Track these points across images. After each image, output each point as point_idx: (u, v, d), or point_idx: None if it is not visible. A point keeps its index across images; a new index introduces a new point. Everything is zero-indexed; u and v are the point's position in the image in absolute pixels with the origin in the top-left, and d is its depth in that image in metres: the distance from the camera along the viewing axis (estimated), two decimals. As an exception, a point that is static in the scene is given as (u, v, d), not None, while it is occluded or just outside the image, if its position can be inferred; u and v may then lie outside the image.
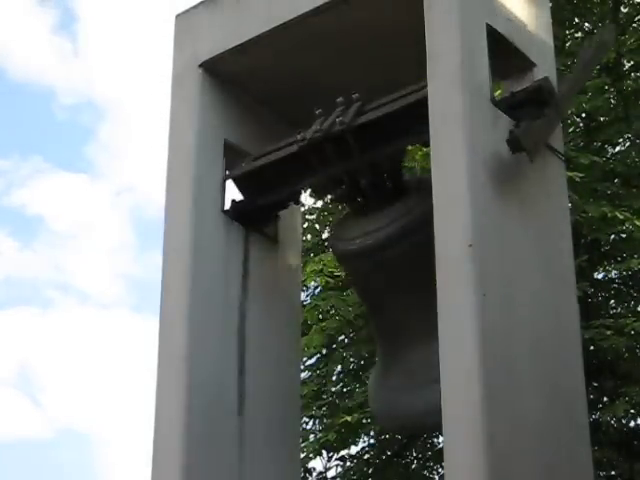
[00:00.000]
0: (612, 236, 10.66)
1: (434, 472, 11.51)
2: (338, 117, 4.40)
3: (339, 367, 11.86)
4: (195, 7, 4.93)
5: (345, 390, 11.83)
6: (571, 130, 11.25)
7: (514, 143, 3.96)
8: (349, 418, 10.47)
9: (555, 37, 4.76)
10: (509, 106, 4.13)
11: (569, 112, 10.31)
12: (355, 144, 4.38)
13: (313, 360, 11.69)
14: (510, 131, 3.97)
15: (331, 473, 11.43)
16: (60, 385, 29.82)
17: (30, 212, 30.44)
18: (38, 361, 29.33)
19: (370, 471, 11.47)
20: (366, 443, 11.51)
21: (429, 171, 4.02)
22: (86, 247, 29.47)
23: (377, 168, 4.46)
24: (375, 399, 4.77)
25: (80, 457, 29.41)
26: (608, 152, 11.57)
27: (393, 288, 4.52)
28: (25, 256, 28.36)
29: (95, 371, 28.97)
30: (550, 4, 4.84)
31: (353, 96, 4.44)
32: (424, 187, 4.25)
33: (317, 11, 4.46)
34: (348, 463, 11.52)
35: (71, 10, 31.24)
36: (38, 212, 31.10)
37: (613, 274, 11.36)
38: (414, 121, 4.18)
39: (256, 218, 4.78)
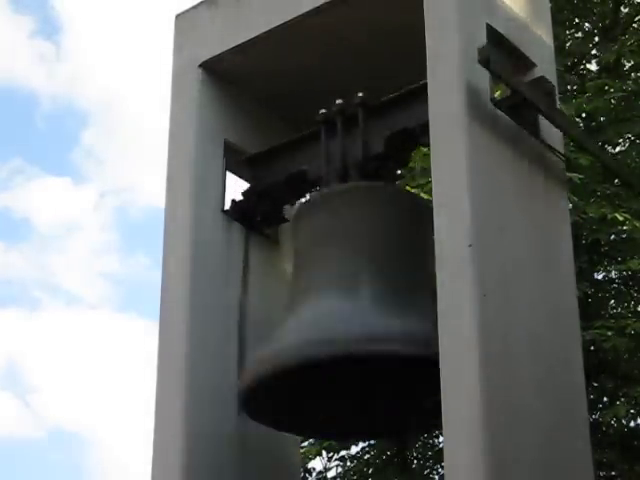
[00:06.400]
0: (612, 237, 10.66)
1: (434, 472, 11.51)
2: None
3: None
4: (195, 7, 4.93)
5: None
6: (571, 130, 11.23)
7: (484, 61, 3.94)
8: None
9: (555, 37, 4.76)
10: (509, 106, 4.13)
11: (569, 113, 10.31)
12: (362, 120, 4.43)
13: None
14: (483, 48, 3.98)
15: (331, 473, 11.44)
16: (50, 385, 29.88)
17: (15, 214, 30.49)
18: (27, 362, 29.40)
19: (370, 471, 11.47)
20: (366, 443, 11.51)
21: (429, 170, 4.02)
22: (72, 248, 29.57)
23: (369, 150, 4.45)
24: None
25: (71, 457, 29.46)
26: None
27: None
28: (11, 257, 28.43)
29: (84, 371, 29.06)
30: (550, 4, 4.84)
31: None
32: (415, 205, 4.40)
33: (317, 11, 4.46)
34: (348, 463, 11.52)
35: (54, 16, 31.27)
36: (23, 214, 31.17)
37: (613, 274, 11.37)
38: (418, 102, 4.22)
39: (256, 218, 4.77)
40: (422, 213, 4.37)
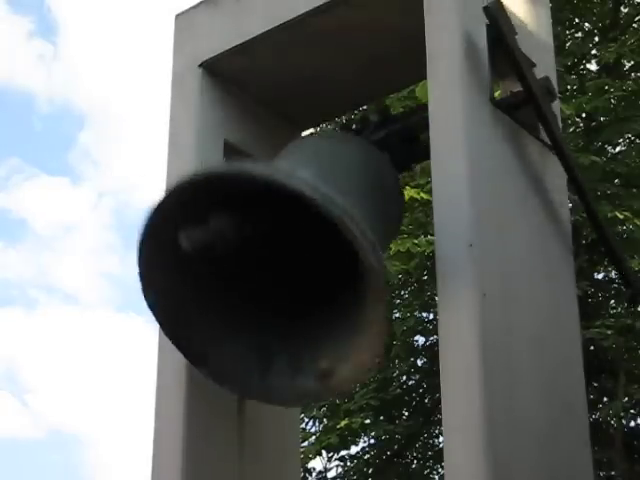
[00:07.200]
0: (612, 236, 10.66)
1: (434, 472, 11.53)
2: None
3: (339, 367, 11.84)
4: (195, 7, 4.93)
5: (345, 390, 11.82)
6: (571, 130, 11.26)
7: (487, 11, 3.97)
8: (354, 424, 10.49)
9: (555, 37, 4.76)
10: (509, 106, 4.13)
11: (569, 112, 10.31)
12: None
13: (313, 360, 11.67)
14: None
15: (331, 473, 11.45)
16: (48, 386, 29.90)
17: (13, 214, 30.52)
18: (24, 362, 29.42)
19: (370, 471, 11.49)
20: (366, 443, 11.54)
21: (429, 170, 4.02)
22: (70, 248, 29.61)
23: None
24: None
25: (69, 457, 29.50)
26: (608, 153, 11.58)
27: None
28: (9, 257, 28.44)
29: (82, 371, 29.10)
30: (550, 4, 4.84)
31: None
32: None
33: (317, 11, 4.46)
34: (348, 463, 11.54)
35: (52, 16, 31.29)
36: (21, 214, 31.21)
37: (613, 274, 11.38)
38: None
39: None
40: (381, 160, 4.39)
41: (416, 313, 11.32)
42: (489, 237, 3.85)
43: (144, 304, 4.09)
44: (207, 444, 4.30)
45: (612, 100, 11.07)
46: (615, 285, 11.37)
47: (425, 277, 11.16)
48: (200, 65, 4.77)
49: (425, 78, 4.08)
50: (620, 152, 11.57)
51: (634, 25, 12.16)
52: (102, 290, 31.24)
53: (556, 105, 4.41)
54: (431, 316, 11.23)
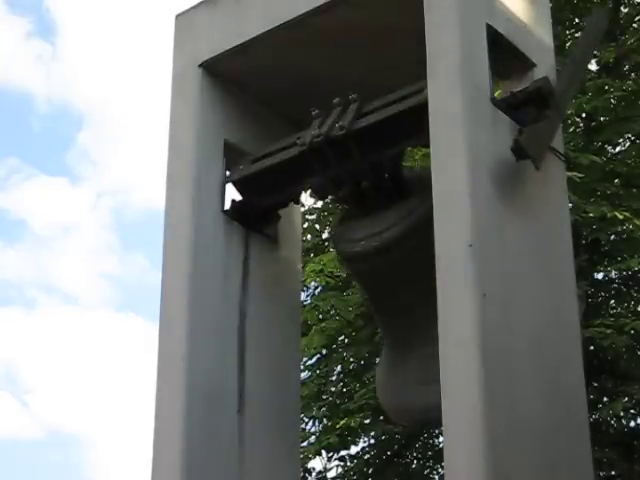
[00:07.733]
0: (612, 236, 10.67)
1: (434, 472, 11.51)
2: (336, 120, 4.41)
3: (339, 367, 11.87)
4: (195, 7, 4.93)
5: (345, 390, 11.83)
6: (571, 130, 11.25)
7: (519, 151, 3.95)
8: (352, 423, 10.47)
9: (555, 37, 4.76)
10: (509, 106, 4.13)
11: (569, 112, 10.31)
12: (355, 148, 4.38)
13: (313, 360, 11.70)
14: (514, 140, 3.96)
15: (331, 473, 11.43)
16: (47, 386, 29.84)
17: (11, 214, 30.38)
18: (24, 362, 29.32)
19: (370, 471, 11.47)
20: (366, 443, 11.52)
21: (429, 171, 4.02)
22: (69, 249, 29.55)
23: (378, 169, 4.46)
24: (387, 395, 4.76)
25: (69, 457, 29.46)
26: (608, 152, 11.56)
27: (400, 287, 4.52)
28: (8, 257, 28.36)
29: (82, 371, 29.06)
30: (550, 4, 4.84)
31: (350, 97, 4.44)
32: (424, 184, 4.24)
33: (317, 11, 4.46)
34: (348, 463, 11.52)
35: (50, 17, 31.24)
36: (20, 214, 31.06)
37: (613, 274, 11.36)
38: (414, 124, 4.19)
39: (256, 218, 4.78)
40: None
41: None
42: (489, 237, 3.85)
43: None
44: (207, 444, 4.30)
45: (612, 100, 11.07)
46: (615, 285, 11.36)
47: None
48: (200, 65, 4.77)
49: (425, 78, 4.08)
50: (620, 152, 11.56)
51: (634, 25, 12.15)
52: (102, 290, 31.18)
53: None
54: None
